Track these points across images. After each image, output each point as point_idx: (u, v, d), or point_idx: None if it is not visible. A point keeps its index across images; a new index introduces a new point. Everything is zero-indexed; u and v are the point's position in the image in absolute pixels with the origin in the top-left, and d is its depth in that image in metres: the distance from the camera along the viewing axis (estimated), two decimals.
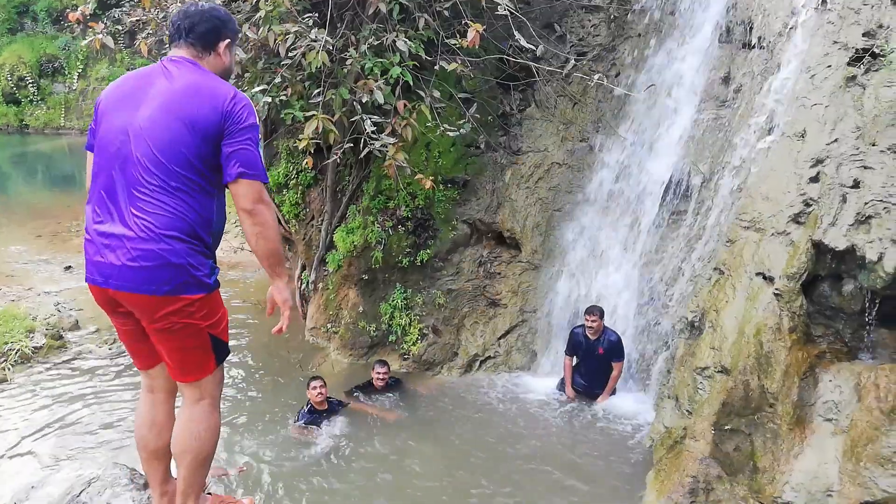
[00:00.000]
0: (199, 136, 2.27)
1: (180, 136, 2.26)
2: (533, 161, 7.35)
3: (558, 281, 7.29)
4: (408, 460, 5.79)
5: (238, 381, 7.25)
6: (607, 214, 7.04)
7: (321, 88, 5.62)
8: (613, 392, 6.71)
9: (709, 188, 6.21)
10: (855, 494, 4.23)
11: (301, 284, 8.55)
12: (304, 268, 8.60)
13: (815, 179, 4.92)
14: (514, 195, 7.37)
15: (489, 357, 7.50)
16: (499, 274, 7.58)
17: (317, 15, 5.49)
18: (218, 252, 2.59)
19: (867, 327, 4.73)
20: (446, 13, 5.95)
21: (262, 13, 5.27)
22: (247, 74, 5.84)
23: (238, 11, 5.69)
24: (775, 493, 4.52)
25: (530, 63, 6.50)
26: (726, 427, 4.85)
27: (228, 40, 2.51)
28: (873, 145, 4.66)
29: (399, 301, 7.49)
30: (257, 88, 5.57)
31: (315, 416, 6.26)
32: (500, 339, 7.49)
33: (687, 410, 5.38)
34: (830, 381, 4.61)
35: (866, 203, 4.54)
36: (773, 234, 5.04)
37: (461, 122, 6.27)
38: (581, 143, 7.26)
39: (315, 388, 6.19)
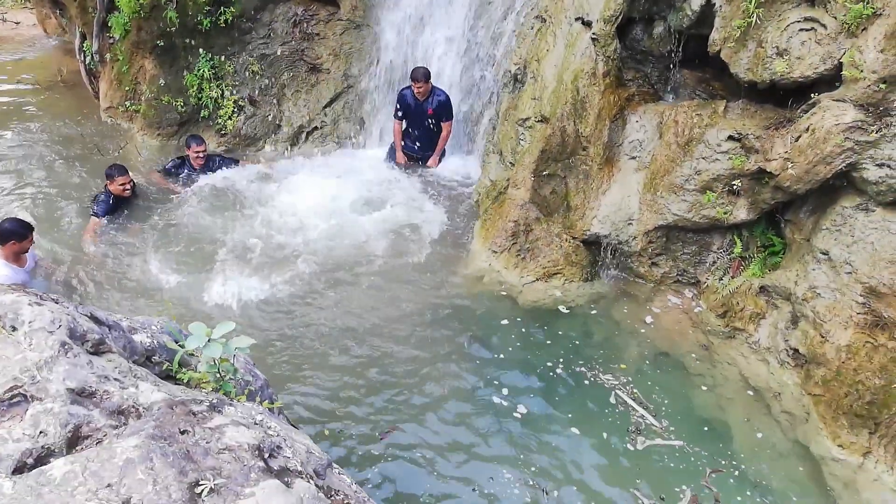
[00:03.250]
0: None
1: None
2: None
3: (381, 40, 6.80)
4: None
5: (33, 173, 6.30)
6: None
7: None
8: (443, 154, 6.74)
9: None
10: (651, 220, 4.74)
11: (85, 57, 7.26)
12: (83, 37, 7.24)
13: None
14: None
15: (315, 128, 7.10)
16: (317, 35, 6.89)
17: None
18: None
19: (672, 68, 4.95)
20: None
21: None
22: None
23: None
24: (585, 226, 4.95)
25: None
26: (544, 173, 5.09)
27: None
28: None
29: (206, 70, 6.65)
30: None
31: (118, 204, 5.70)
32: (325, 107, 7.06)
33: (510, 162, 5.55)
34: (637, 121, 4.89)
35: None
36: None
37: None
38: None
39: (118, 182, 5.59)
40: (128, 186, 5.67)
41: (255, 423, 1.74)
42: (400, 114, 6.53)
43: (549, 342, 4.51)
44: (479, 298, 4.93)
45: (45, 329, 1.67)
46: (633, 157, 4.87)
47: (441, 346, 4.45)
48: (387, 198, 6.13)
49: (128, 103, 6.99)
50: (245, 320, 4.57)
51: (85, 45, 7.21)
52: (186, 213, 5.78)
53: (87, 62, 7.33)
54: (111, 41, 6.83)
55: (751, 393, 4.16)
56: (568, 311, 4.81)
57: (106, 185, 5.66)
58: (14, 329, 1.66)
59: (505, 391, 4.09)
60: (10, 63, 8.96)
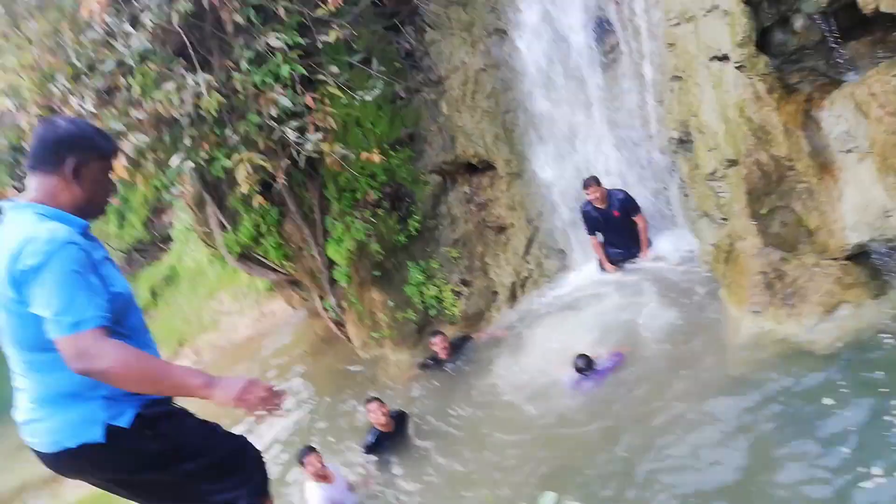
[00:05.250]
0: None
1: None
2: (458, 80, 7.11)
3: (544, 174, 7.15)
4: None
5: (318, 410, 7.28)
6: (551, 88, 6.82)
7: (230, 127, 5.47)
8: (650, 244, 6.62)
9: (622, 10, 5.98)
10: None
11: (328, 312, 8.53)
12: (321, 297, 8.56)
13: None
14: (461, 121, 7.17)
15: (526, 278, 7.42)
16: (489, 200, 7.45)
17: (183, 60, 5.30)
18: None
19: (835, 49, 4.54)
20: None
21: (136, 88, 5.11)
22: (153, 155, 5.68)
23: (113, 98, 5.47)
24: (840, 243, 4.42)
25: None
26: (762, 212, 4.74)
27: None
28: None
29: (418, 276, 7.43)
30: (176, 160, 5.43)
31: (383, 439, 6.06)
32: (524, 256, 7.40)
33: (721, 219, 5.28)
34: (830, 115, 4.44)
35: None
36: (704, 16, 4.83)
37: (370, 82, 6.06)
38: (491, 37, 7.00)
39: (371, 410, 5.97)
40: (381, 412, 6.00)
41: None
42: (592, 230, 6.64)
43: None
44: (770, 366, 4.47)
45: None
46: (849, 151, 4.37)
47: (769, 441, 3.91)
48: (618, 304, 6.10)
49: (373, 334, 7.95)
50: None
51: (325, 303, 8.49)
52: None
53: (330, 316, 8.57)
54: (342, 290, 7.99)
55: None
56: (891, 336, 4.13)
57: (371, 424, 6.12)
58: None
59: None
60: (284, 343, 10.78)
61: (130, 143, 5.19)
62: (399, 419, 6.25)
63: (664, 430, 4.45)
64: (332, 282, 7.94)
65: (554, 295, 7.06)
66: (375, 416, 5.99)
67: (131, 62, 5.04)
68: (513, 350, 6.55)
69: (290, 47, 5.39)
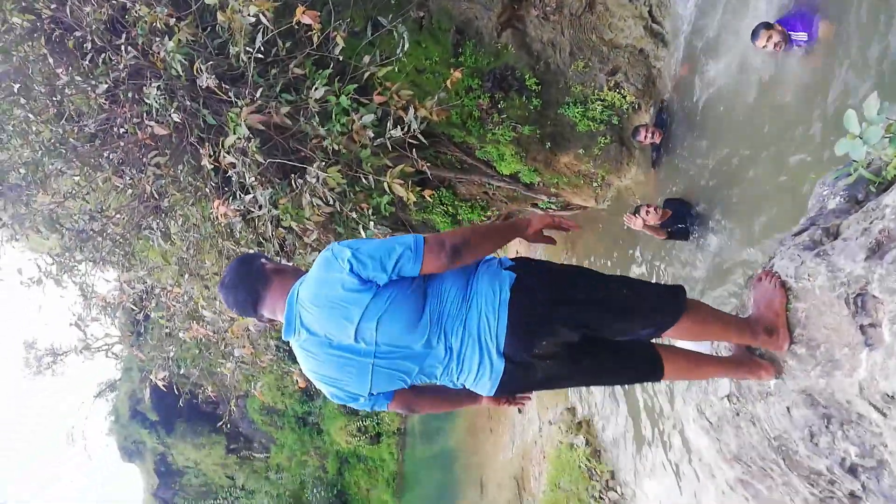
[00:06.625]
0: None
1: None
2: None
3: None
4: None
5: None
6: None
7: (363, 176, 5.71)
8: None
9: None
10: None
11: (548, 211, 8.62)
12: (533, 205, 8.67)
13: None
14: None
15: (649, 9, 6.81)
16: None
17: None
18: None
19: None
20: None
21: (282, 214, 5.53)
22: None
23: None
24: None
25: None
26: None
27: None
28: None
29: (576, 110, 7.18)
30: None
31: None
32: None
33: None
34: None
35: None
36: None
37: (394, 35, 5.92)
38: None
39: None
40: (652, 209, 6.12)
41: None
42: None
43: None
44: None
45: None
46: None
47: None
48: None
49: (594, 184, 7.88)
50: None
51: (540, 205, 8.59)
52: None
53: (550, 212, 8.67)
54: (541, 187, 8.03)
55: None
56: None
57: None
58: None
59: None
60: None
61: None
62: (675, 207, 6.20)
63: None
64: (528, 186, 8.02)
65: None
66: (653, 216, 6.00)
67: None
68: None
69: (327, 83, 5.46)
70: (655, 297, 2.14)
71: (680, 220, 6.06)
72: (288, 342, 2.06)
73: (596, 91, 7.14)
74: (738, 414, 2.59)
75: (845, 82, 4.46)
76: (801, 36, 4.81)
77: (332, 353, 1.94)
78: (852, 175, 2.28)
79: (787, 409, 2.23)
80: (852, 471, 2.04)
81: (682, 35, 6.58)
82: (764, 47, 4.94)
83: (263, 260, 2.11)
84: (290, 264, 2.29)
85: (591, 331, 1.98)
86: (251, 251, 6.17)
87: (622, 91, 7.08)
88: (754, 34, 4.95)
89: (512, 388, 2.04)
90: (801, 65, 4.95)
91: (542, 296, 1.96)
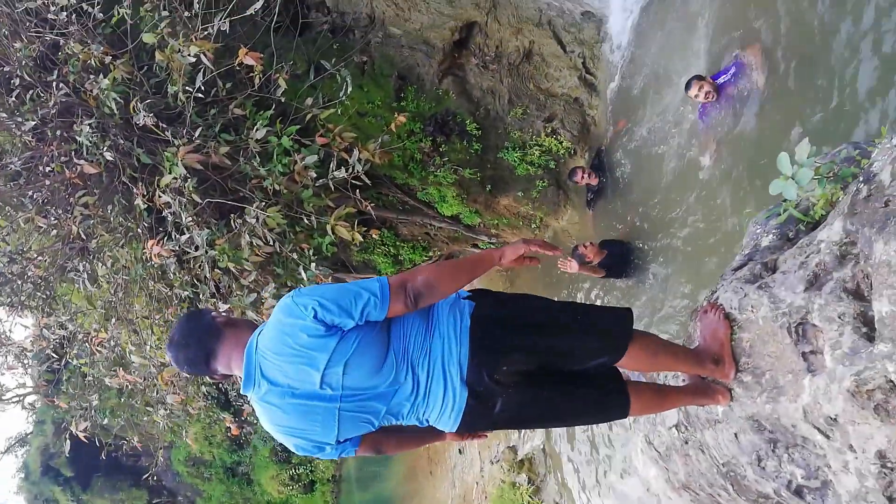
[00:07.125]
0: None
1: None
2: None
3: None
4: None
5: None
6: None
7: (304, 216, 5.65)
8: None
9: None
10: None
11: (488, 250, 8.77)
12: (474, 246, 8.80)
13: None
14: (415, 22, 6.96)
15: (583, 62, 7.18)
16: (497, 47, 7.22)
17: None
18: None
19: None
20: None
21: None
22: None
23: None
24: None
25: None
26: None
27: None
28: None
29: (514, 155, 7.41)
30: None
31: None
32: (566, 51, 7.14)
33: None
34: None
35: None
36: None
37: (337, 79, 5.98)
38: None
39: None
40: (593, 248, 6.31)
41: None
42: None
43: None
44: None
45: None
46: None
47: None
48: None
49: (532, 226, 8.08)
50: None
51: (480, 246, 8.72)
52: None
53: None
54: (481, 228, 8.16)
55: None
56: None
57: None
58: None
59: None
60: None
61: None
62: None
63: None
64: (468, 227, 8.14)
65: (616, 45, 6.80)
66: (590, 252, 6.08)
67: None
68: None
69: (268, 124, 5.45)
70: (608, 314, 2.21)
71: (617, 258, 6.28)
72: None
73: (534, 137, 7.39)
74: (686, 442, 2.66)
75: (774, 127, 4.81)
76: (726, 76, 5.19)
77: (295, 403, 1.89)
78: (782, 214, 2.45)
79: (735, 435, 2.31)
80: (798, 493, 2.12)
81: (614, 83, 6.94)
82: (696, 97, 5.30)
83: (213, 314, 2.04)
84: (243, 317, 2.18)
85: (549, 357, 2.02)
86: (185, 292, 5.96)
87: (559, 137, 7.36)
88: (688, 85, 5.31)
89: (475, 425, 2.03)
90: (732, 114, 5.30)
91: (501, 320, 2.00)
